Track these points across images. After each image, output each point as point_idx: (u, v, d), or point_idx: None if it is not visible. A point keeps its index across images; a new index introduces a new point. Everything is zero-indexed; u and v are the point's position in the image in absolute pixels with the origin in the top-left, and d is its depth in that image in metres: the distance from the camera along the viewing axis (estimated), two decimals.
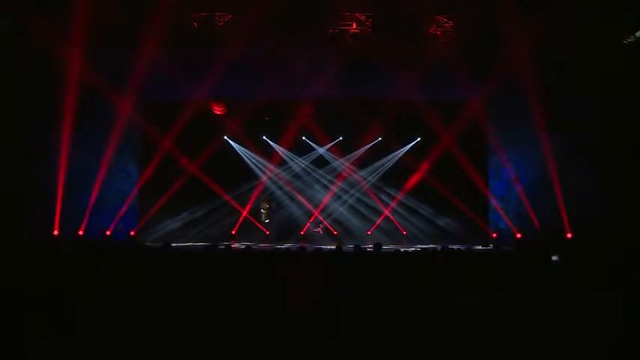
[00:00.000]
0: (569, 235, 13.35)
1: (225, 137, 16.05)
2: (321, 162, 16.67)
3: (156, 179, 14.67)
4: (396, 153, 16.36)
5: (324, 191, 16.59)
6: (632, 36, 12.25)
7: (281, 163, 16.54)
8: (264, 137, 16.34)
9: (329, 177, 16.63)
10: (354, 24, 12.93)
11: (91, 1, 11.51)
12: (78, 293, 4.75)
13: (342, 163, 16.55)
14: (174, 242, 12.85)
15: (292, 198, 16.55)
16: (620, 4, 11.48)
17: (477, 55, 13.10)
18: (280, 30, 12.56)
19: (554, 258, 6.44)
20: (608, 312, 4.26)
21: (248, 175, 16.25)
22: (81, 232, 13.56)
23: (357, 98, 14.44)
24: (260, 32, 12.54)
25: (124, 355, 4.26)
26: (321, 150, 16.54)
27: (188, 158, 15.35)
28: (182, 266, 5.70)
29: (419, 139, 16.11)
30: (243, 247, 6.50)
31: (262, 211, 16.52)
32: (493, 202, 14.36)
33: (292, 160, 16.58)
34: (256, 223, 16.33)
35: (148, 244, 13.74)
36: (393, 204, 16.27)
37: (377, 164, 16.45)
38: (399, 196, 16.19)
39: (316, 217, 16.39)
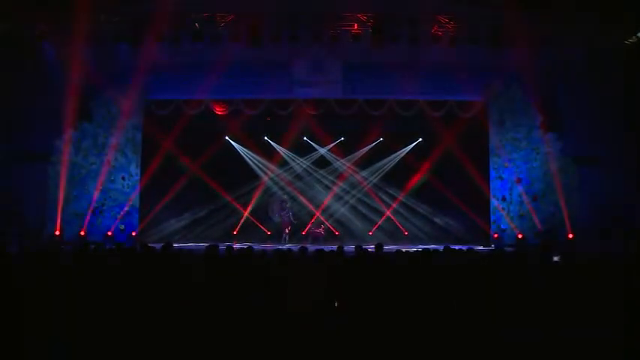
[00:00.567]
0: (570, 236, 13.33)
1: (227, 138, 16.05)
2: (322, 162, 16.67)
3: (157, 179, 14.66)
4: (397, 153, 16.35)
5: (326, 192, 16.59)
6: (633, 36, 12.25)
7: (282, 163, 16.54)
8: (266, 138, 16.34)
9: (330, 177, 16.62)
10: (356, 25, 12.94)
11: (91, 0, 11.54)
12: (78, 296, 4.76)
13: (343, 164, 16.55)
14: (175, 243, 12.84)
15: (294, 198, 16.54)
16: (620, 4, 11.48)
17: (478, 56, 13.11)
18: (282, 30, 12.57)
19: (556, 258, 6.44)
20: (608, 312, 4.26)
21: (249, 175, 16.25)
22: (82, 233, 13.58)
23: (358, 99, 14.44)
24: (261, 32, 12.57)
25: (125, 355, 4.28)
26: (322, 150, 16.53)
27: (189, 158, 15.37)
28: (182, 267, 5.70)
29: (420, 139, 16.10)
30: (244, 247, 6.49)
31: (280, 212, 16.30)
32: (494, 202, 14.34)
33: (293, 160, 16.58)
34: (257, 223, 16.32)
35: (149, 244, 13.72)
36: (394, 204, 16.26)
37: (378, 165, 16.44)
38: (401, 197, 16.18)
39: (317, 217, 16.38)
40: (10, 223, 12.82)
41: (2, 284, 4.87)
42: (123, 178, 14.29)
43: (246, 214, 16.08)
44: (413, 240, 15.78)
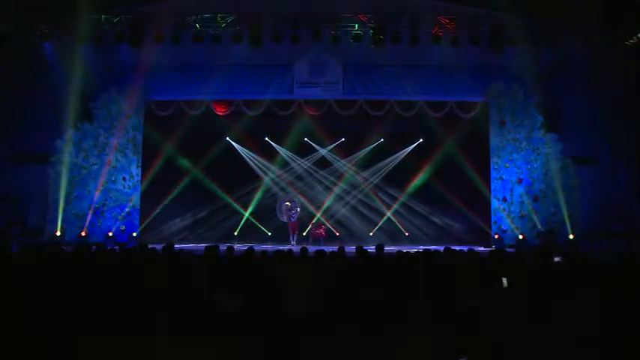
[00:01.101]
0: (571, 236, 13.33)
1: (227, 138, 16.06)
2: (323, 163, 16.67)
3: (158, 180, 14.67)
4: (398, 154, 16.36)
5: (326, 192, 16.59)
6: (634, 36, 12.25)
7: (283, 164, 16.55)
8: (267, 139, 16.35)
9: (331, 178, 16.62)
10: (356, 25, 12.94)
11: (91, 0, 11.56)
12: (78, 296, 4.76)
13: (344, 164, 16.56)
14: (176, 243, 12.85)
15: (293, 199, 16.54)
16: (620, 4, 11.49)
17: (479, 56, 13.13)
18: (282, 31, 12.58)
19: (556, 259, 6.43)
20: (608, 312, 4.25)
21: (250, 176, 16.26)
22: (83, 233, 13.59)
23: (359, 100, 14.44)
24: (262, 33, 12.57)
25: (125, 355, 4.28)
26: (323, 151, 16.54)
27: (190, 159, 15.38)
28: (183, 267, 5.70)
29: (421, 140, 16.11)
30: (245, 247, 6.49)
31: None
32: (495, 203, 14.34)
33: (294, 161, 16.58)
34: (257, 224, 16.32)
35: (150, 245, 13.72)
36: (395, 205, 16.26)
37: (379, 165, 16.45)
38: (401, 197, 16.19)
39: (318, 217, 16.38)
40: (11, 224, 12.85)
41: (2, 284, 4.87)
42: (124, 179, 14.29)
43: (247, 214, 16.08)
44: (414, 240, 15.79)
